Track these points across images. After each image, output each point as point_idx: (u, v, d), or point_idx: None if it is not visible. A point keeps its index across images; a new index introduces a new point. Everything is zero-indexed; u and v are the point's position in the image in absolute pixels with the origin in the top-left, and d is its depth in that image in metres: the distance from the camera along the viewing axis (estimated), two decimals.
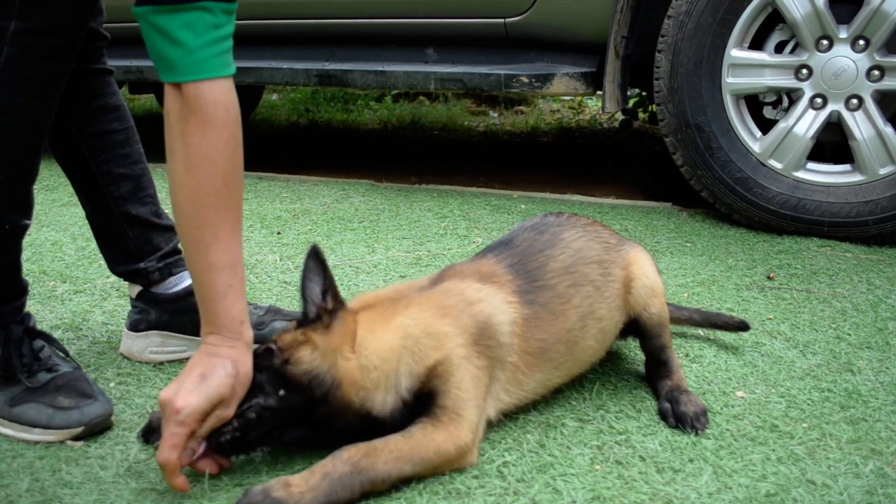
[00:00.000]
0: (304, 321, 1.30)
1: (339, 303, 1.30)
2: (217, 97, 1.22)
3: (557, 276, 1.47)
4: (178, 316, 1.71)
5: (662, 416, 1.47)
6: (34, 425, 1.39)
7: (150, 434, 1.37)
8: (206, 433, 1.21)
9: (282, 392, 1.24)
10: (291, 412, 1.25)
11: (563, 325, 1.44)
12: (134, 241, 1.70)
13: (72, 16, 1.37)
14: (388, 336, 1.30)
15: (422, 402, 1.28)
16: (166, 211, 1.73)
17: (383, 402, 1.28)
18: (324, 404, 1.25)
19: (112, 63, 1.71)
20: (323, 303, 1.28)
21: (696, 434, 1.41)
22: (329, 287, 1.29)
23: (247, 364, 1.25)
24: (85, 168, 1.66)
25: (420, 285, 1.45)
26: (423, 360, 1.28)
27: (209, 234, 1.24)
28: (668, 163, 2.91)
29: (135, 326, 1.72)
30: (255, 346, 1.30)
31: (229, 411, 1.22)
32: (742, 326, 1.79)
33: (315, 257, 1.29)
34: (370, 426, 1.27)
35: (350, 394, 1.26)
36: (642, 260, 1.59)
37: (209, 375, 1.20)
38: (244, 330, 1.26)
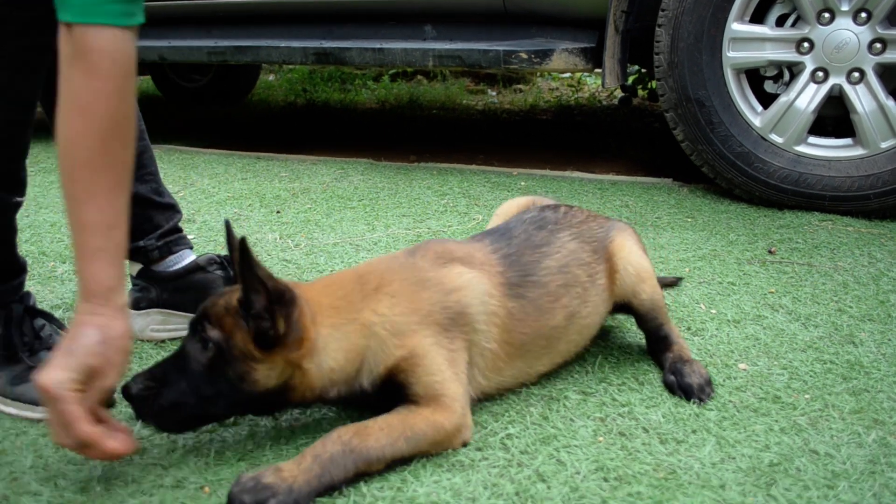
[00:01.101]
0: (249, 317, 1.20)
1: (292, 306, 1.21)
2: (104, 46, 1.13)
3: (551, 274, 1.46)
4: (179, 294, 1.71)
5: (668, 388, 1.47)
6: (37, 403, 1.39)
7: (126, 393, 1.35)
8: (91, 409, 1.13)
9: (231, 401, 1.22)
10: (236, 413, 1.27)
11: (548, 322, 1.43)
12: (134, 219, 1.67)
13: None
14: (352, 336, 1.26)
15: (395, 390, 1.26)
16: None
17: (338, 393, 1.27)
18: (275, 403, 1.25)
19: None
20: (269, 326, 1.19)
21: (701, 403, 1.42)
22: (274, 303, 1.19)
23: (117, 328, 1.16)
24: None
25: (398, 267, 1.38)
26: (386, 359, 1.26)
27: (82, 190, 1.16)
28: (669, 140, 2.89)
29: (136, 305, 1.71)
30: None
31: (109, 381, 1.15)
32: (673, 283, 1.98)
33: (247, 261, 1.17)
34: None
35: (305, 394, 1.25)
36: (626, 247, 1.58)
37: (73, 347, 1.14)
38: (113, 296, 1.18)
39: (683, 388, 1.45)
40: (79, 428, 1.11)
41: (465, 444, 1.27)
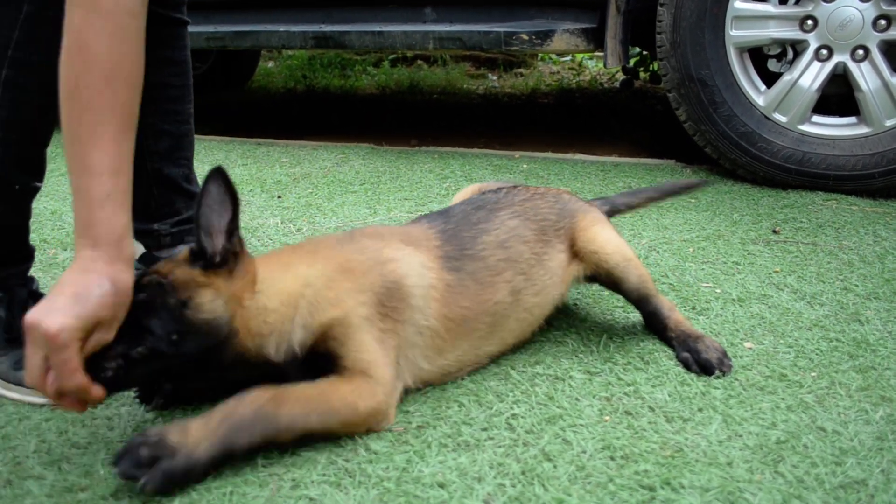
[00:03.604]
0: (203, 259, 1.22)
1: (242, 245, 1.24)
2: None
3: (489, 248, 1.44)
4: None
5: (685, 365, 1.47)
6: None
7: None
8: (83, 358, 1.11)
9: (174, 336, 1.17)
10: (181, 357, 1.18)
11: (490, 297, 1.41)
12: (156, 199, 1.68)
13: None
14: (288, 281, 1.26)
15: (323, 363, 1.23)
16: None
17: (277, 349, 1.24)
18: (218, 352, 1.21)
19: None
20: (229, 244, 1.21)
21: (724, 375, 1.43)
22: (236, 226, 1.22)
23: (126, 283, 1.14)
24: None
25: (335, 240, 1.39)
26: (319, 314, 1.24)
27: (87, 132, 1.12)
28: (671, 122, 2.87)
29: None
30: (136, 270, 1.21)
31: (109, 335, 1.13)
32: (694, 185, 1.96)
33: (221, 182, 1.19)
34: (267, 375, 1.22)
35: (246, 341, 1.22)
36: (603, 233, 1.57)
37: (84, 295, 1.09)
38: (124, 246, 1.15)
39: (702, 365, 1.45)
40: (75, 378, 1.09)
41: (380, 430, 1.24)
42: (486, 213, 1.50)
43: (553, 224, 1.55)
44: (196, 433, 1.10)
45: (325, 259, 1.31)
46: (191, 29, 3.60)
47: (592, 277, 1.58)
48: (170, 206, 1.69)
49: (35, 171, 1.45)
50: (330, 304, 1.25)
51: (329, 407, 1.18)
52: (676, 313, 1.58)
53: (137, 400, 1.34)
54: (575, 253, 1.56)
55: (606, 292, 1.83)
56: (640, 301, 1.58)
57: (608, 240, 1.57)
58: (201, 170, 3.03)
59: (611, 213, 1.76)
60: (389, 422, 1.25)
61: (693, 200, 2.60)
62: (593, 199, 1.77)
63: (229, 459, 1.12)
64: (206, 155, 3.37)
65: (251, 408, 1.13)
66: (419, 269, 1.34)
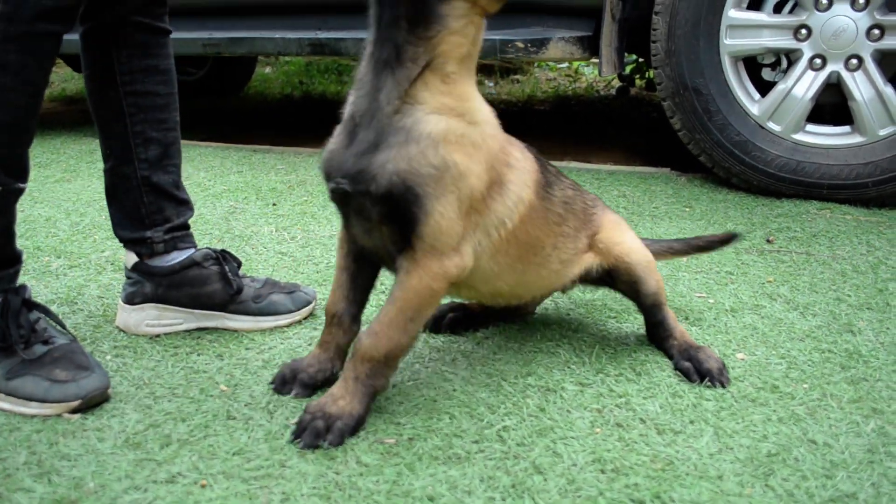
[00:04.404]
0: None
1: None
2: None
3: (559, 199, 1.49)
4: (174, 289, 1.70)
5: (685, 374, 1.48)
6: (31, 399, 1.38)
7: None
8: None
9: None
10: None
11: (543, 238, 1.45)
12: (147, 207, 1.68)
13: None
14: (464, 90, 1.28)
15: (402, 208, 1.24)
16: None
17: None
18: None
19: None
20: None
21: (723, 387, 1.44)
22: None
23: None
24: (120, 123, 1.64)
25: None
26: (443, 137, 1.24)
27: None
28: (666, 129, 2.88)
29: (130, 299, 1.70)
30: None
31: None
32: (728, 239, 1.82)
33: None
34: None
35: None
36: (627, 238, 1.58)
37: None
38: None
39: (702, 374, 1.46)
40: None
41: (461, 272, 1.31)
42: (557, 173, 1.54)
43: (588, 210, 1.58)
44: (343, 398, 1.28)
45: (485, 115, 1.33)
46: (187, 35, 3.63)
47: (608, 275, 1.57)
48: (161, 214, 1.69)
49: (19, 173, 1.45)
50: (455, 139, 1.25)
51: (416, 310, 1.28)
52: (679, 326, 1.59)
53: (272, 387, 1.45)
54: (597, 248, 1.56)
55: (599, 302, 1.84)
56: (651, 307, 1.58)
57: (633, 242, 1.58)
58: (197, 178, 3.05)
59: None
60: (466, 273, 1.31)
61: (687, 209, 2.60)
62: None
63: (376, 398, 1.32)
64: (202, 162, 3.37)
65: (368, 362, 1.28)
66: (526, 183, 1.39)
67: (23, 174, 1.46)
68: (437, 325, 1.69)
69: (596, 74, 6.26)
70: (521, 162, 1.39)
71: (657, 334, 1.59)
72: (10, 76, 1.36)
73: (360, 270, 1.43)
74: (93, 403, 1.39)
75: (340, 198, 1.30)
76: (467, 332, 1.68)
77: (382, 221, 1.26)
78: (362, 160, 1.24)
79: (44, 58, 1.39)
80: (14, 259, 1.50)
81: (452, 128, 1.24)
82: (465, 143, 1.25)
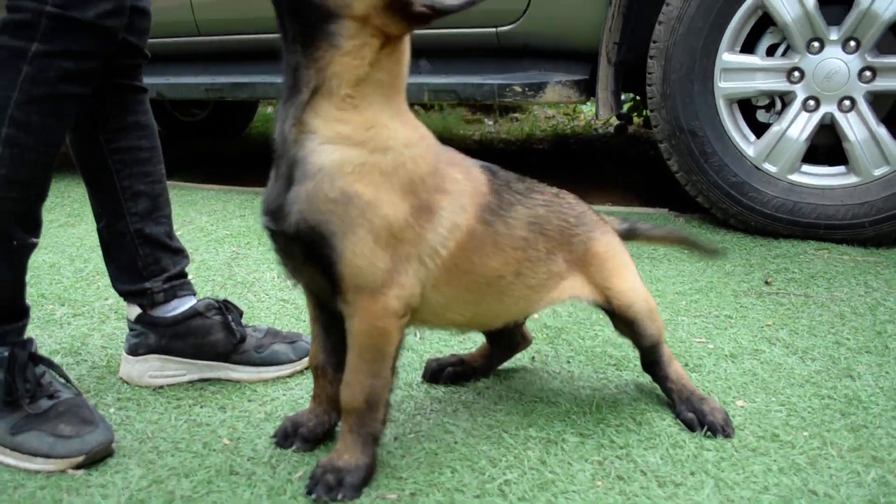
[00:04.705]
0: None
1: None
2: None
3: (520, 221, 1.38)
4: (177, 340, 1.71)
5: (688, 425, 1.48)
6: (35, 454, 1.39)
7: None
8: None
9: None
10: None
11: (497, 267, 1.36)
12: (143, 259, 1.71)
13: (93, 45, 1.40)
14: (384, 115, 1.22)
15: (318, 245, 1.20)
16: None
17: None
18: None
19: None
20: None
21: (727, 437, 1.44)
22: None
23: None
24: (108, 179, 1.67)
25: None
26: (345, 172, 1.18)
27: None
28: (664, 168, 2.91)
29: (133, 350, 1.72)
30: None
31: None
32: (711, 251, 1.85)
33: None
34: None
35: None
36: (622, 275, 1.50)
37: None
38: None
39: (708, 426, 1.46)
40: None
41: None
42: (525, 189, 1.44)
43: (567, 230, 1.47)
44: (346, 451, 1.28)
45: (414, 128, 1.27)
46: (190, 80, 3.67)
47: (603, 309, 1.51)
48: (157, 264, 1.72)
49: (32, 228, 1.48)
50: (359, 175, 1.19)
51: (374, 351, 1.26)
52: (675, 364, 1.58)
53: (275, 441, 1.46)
54: (590, 279, 1.49)
55: (599, 349, 1.85)
56: (648, 349, 1.55)
57: (632, 286, 1.50)
58: (199, 222, 3.07)
59: (627, 236, 1.67)
60: (416, 300, 1.27)
61: (685, 251, 2.62)
62: (610, 216, 1.69)
63: (378, 443, 1.33)
64: (204, 205, 3.40)
65: (352, 414, 1.28)
66: (458, 210, 1.29)
67: (36, 229, 1.49)
68: (436, 378, 1.69)
69: (594, 112, 6.33)
70: (459, 184, 1.29)
71: (652, 372, 1.58)
72: (33, 136, 1.40)
73: (330, 317, 1.37)
74: (97, 458, 1.39)
75: (269, 236, 1.28)
76: (468, 383, 1.69)
77: (304, 262, 1.24)
78: (279, 197, 1.22)
79: (65, 118, 1.45)
80: (22, 313, 1.52)
81: (348, 158, 1.18)
82: (369, 172, 1.18)
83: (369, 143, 1.19)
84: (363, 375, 1.26)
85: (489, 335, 1.69)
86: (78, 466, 1.38)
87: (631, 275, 1.53)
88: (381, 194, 1.19)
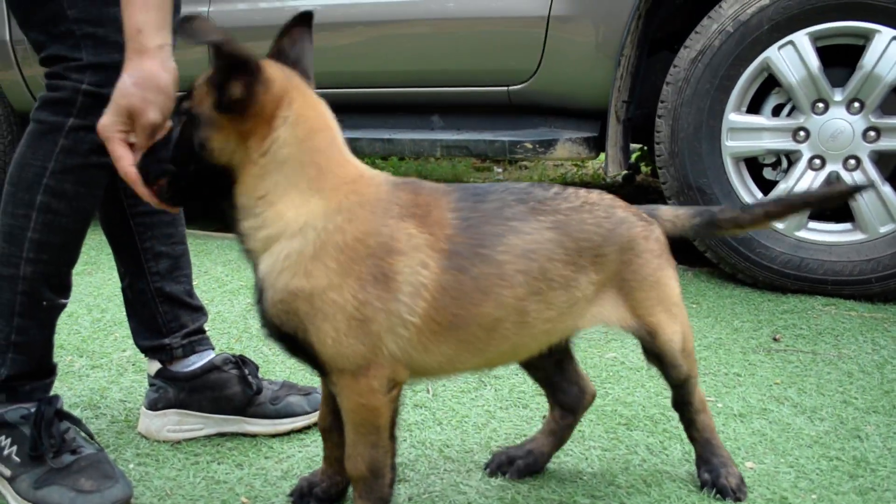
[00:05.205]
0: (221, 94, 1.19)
1: (254, 75, 1.16)
2: None
3: (512, 253, 1.25)
4: (196, 393, 1.75)
5: (702, 484, 1.49)
6: None
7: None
8: (144, 145, 1.29)
9: (191, 166, 1.23)
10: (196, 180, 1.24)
11: (490, 312, 1.25)
12: (163, 316, 1.76)
13: None
14: (306, 205, 1.20)
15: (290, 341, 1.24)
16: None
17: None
18: (220, 190, 1.24)
19: None
20: (226, 89, 1.17)
21: (738, 502, 1.45)
22: (234, 64, 1.15)
23: (148, 68, 1.29)
24: (130, 241, 1.74)
25: (384, 185, 1.26)
26: (298, 269, 1.18)
27: None
28: None
29: (153, 405, 1.75)
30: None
31: (148, 117, 1.27)
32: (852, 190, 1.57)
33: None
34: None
35: (242, 191, 1.22)
36: (662, 308, 1.39)
37: (113, 95, 1.30)
38: (142, 38, 1.30)
39: (719, 489, 1.46)
40: (121, 165, 1.30)
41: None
42: (525, 212, 1.28)
43: (595, 247, 1.32)
44: None
45: (354, 209, 1.21)
46: None
47: (634, 335, 1.41)
48: (177, 321, 1.77)
49: (62, 290, 1.56)
50: (303, 274, 1.18)
51: (367, 425, 1.26)
52: (705, 414, 1.52)
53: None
54: (623, 303, 1.37)
55: (609, 408, 1.87)
56: (677, 387, 1.47)
57: (675, 317, 1.40)
58: (215, 272, 3.12)
59: (704, 229, 1.50)
60: (402, 377, 1.26)
61: (695, 306, 2.65)
62: (680, 207, 1.53)
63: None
64: (219, 255, 3.45)
65: (359, 482, 1.29)
66: (417, 268, 1.20)
67: (65, 291, 1.58)
68: (503, 471, 1.56)
69: (602, 160, 6.40)
70: (413, 239, 1.20)
71: (680, 413, 1.52)
72: (66, 203, 1.49)
73: None
74: None
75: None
76: (480, 439, 1.70)
77: (294, 355, 1.29)
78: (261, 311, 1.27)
79: (96, 187, 1.54)
80: (50, 371, 1.59)
81: (276, 255, 1.19)
82: (296, 262, 1.17)
83: (286, 232, 1.18)
84: (362, 447, 1.27)
85: (549, 393, 1.59)
86: None
87: (675, 305, 1.41)
88: (318, 281, 1.16)
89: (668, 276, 1.41)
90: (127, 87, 1.28)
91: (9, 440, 1.51)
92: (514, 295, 1.26)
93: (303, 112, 1.21)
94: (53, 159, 1.48)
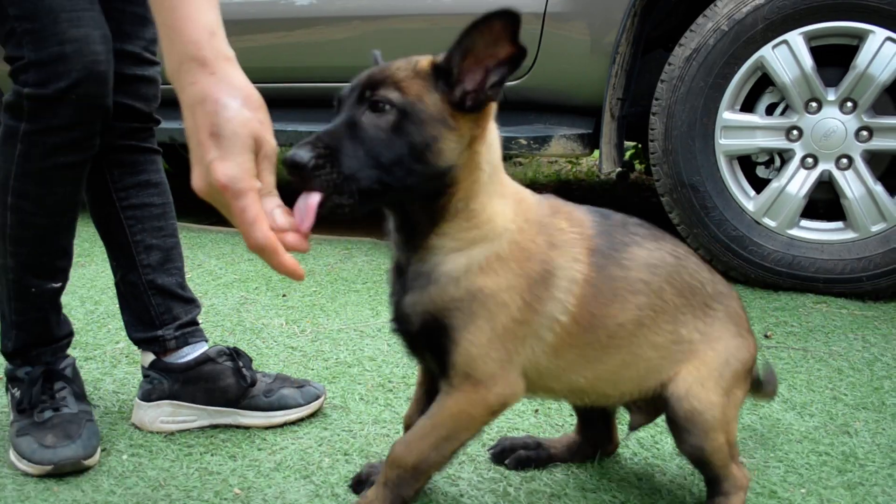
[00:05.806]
0: (448, 83, 1.14)
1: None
2: None
3: (636, 262, 1.29)
4: (189, 385, 1.75)
5: None
6: (22, 456, 1.56)
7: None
8: (271, 184, 1.07)
9: (402, 173, 1.13)
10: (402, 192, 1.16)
11: (615, 314, 1.26)
12: (156, 308, 1.78)
13: (74, 116, 1.49)
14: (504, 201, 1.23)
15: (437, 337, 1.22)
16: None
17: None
18: (435, 193, 1.19)
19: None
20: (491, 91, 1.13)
21: None
22: (504, 78, 1.12)
23: (239, 83, 1.02)
24: (121, 234, 1.76)
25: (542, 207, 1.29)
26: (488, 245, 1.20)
27: None
28: (665, 214, 2.97)
29: (146, 396, 1.76)
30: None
31: (271, 143, 1.05)
32: None
33: (509, 24, 1.07)
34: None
35: (458, 194, 1.19)
36: (706, 387, 1.33)
37: (220, 126, 0.99)
38: (218, 43, 1.03)
39: None
40: (258, 232, 1.01)
41: (508, 407, 1.28)
42: (647, 232, 1.35)
43: (696, 290, 1.34)
44: (374, 501, 1.29)
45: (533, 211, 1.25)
46: None
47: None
48: (169, 313, 1.79)
49: (50, 275, 1.65)
50: (479, 269, 1.20)
51: (451, 431, 1.25)
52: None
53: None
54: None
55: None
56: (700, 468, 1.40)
57: (710, 401, 1.33)
58: (209, 265, 3.12)
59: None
60: (515, 400, 1.27)
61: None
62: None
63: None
64: (213, 248, 3.46)
65: (396, 469, 1.27)
66: (569, 260, 1.24)
67: (55, 276, 1.65)
68: (502, 458, 1.59)
69: (597, 158, 6.42)
70: (565, 234, 1.25)
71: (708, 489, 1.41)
72: (30, 202, 1.56)
73: (437, 387, 1.32)
74: (64, 472, 1.53)
75: (398, 335, 1.32)
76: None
77: (426, 351, 1.28)
78: (400, 305, 1.27)
79: (58, 185, 1.56)
80: (51, 339, 1.70)
81: (474, 259, 1.20)
82: (490, 265, 1.19)
83: (489, 236, 1.20)
84: (427, 445, 1.26)
85: (582, 423, 1.60)
86: (46, 475, 1.52)
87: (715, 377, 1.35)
88: (500, 281, 1.19)
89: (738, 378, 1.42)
90: (240, 113, 1.00)
91: (19, 392, 1.67)
92: (634, 303, 1.28)
93: (492, 127, 1.23)
94: (14, 163, 1.54)
